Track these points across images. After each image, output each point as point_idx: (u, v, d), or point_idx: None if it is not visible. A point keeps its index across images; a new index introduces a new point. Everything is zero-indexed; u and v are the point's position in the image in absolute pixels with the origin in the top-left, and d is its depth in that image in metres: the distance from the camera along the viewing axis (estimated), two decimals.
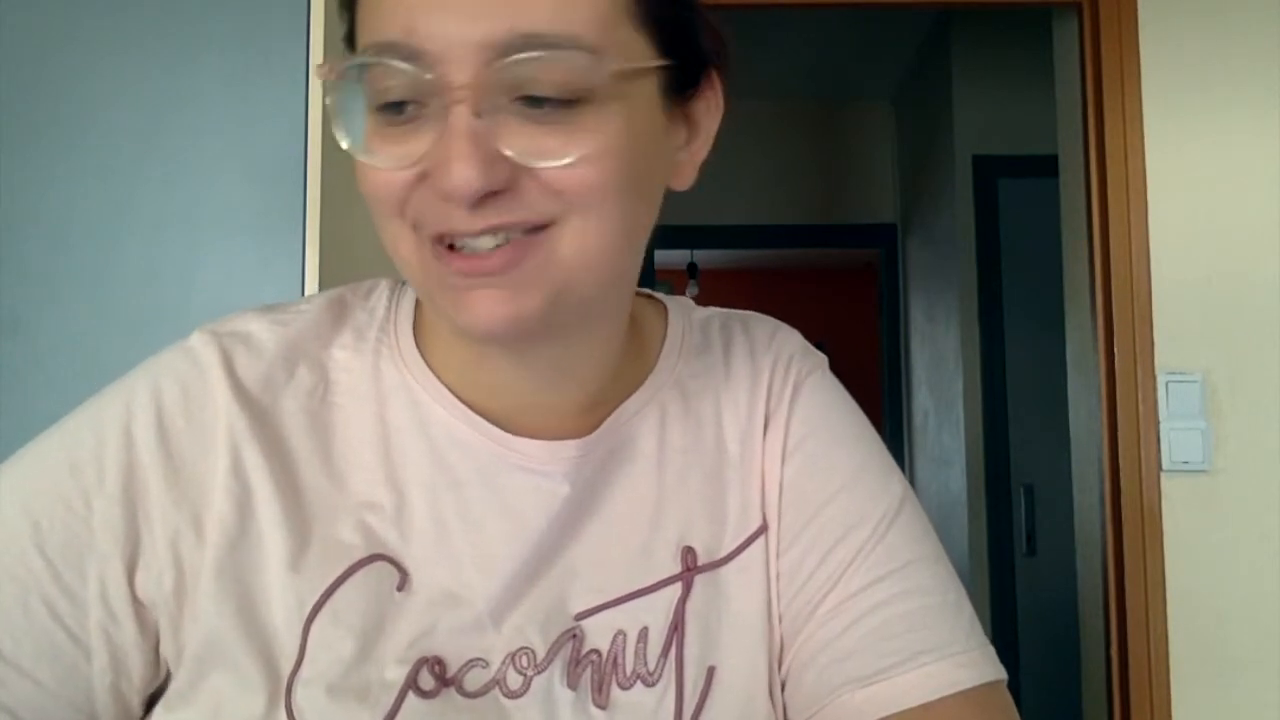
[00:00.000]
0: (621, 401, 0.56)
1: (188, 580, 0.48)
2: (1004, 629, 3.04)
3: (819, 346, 0.64)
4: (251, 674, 0.47)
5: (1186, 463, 1.83)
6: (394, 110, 0.45)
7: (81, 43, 1.22)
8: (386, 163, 0.45)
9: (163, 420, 0.49)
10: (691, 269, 5.59)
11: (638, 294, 0.60)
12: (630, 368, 0.57)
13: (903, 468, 4.22)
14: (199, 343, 0.52)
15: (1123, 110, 1.90)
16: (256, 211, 1.21)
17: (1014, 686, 0.53)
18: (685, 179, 0.53)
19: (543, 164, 0.44)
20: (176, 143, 1.21)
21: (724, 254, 5.65)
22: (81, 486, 0.48)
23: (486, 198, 0.43)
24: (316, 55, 1.22)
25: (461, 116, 0.43)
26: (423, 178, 0.44)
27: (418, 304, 0.56)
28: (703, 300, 0.65)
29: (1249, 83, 1.91)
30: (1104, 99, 1.91)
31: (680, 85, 0.50)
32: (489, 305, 0.45)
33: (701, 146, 0.53)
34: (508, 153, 0.43)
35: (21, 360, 1.17)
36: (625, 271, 0.51)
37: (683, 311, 0.61)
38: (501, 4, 0.43)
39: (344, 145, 0.46)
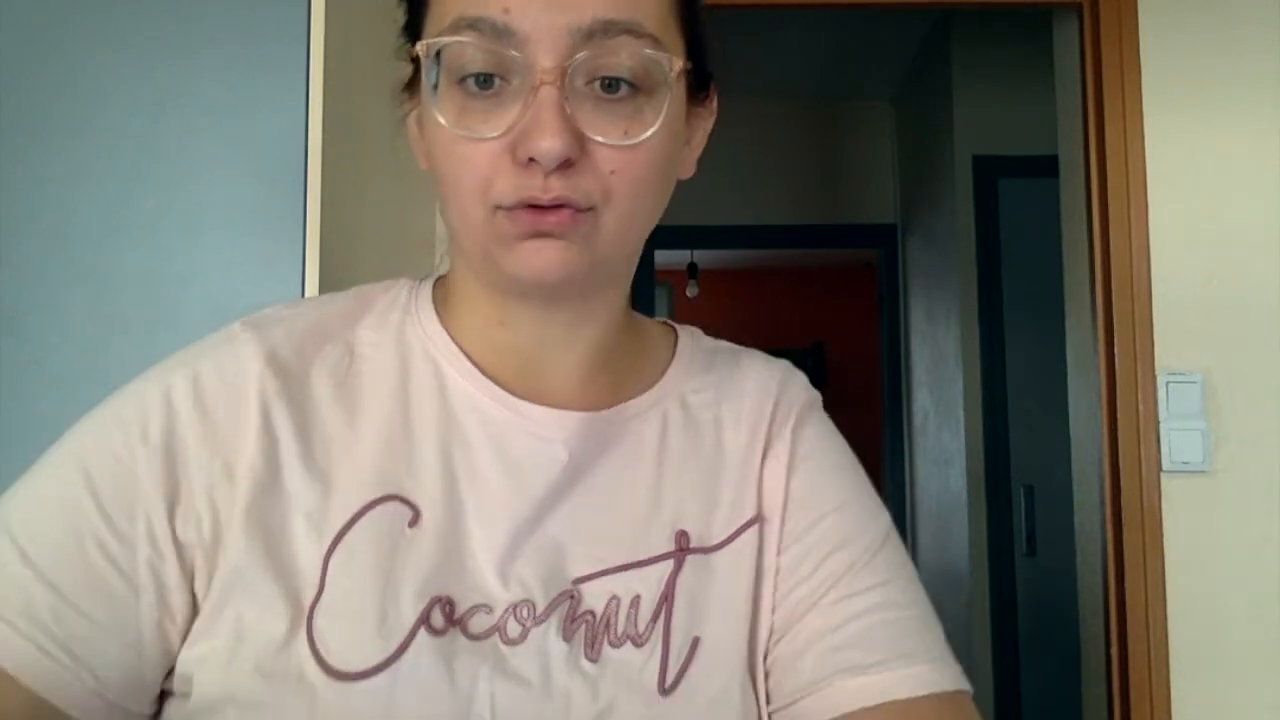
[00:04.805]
0: (628, 400, 0.61)
1: (221, 523, 0.52)
2: (1004, 629, 3.04)
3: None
4: (274, 601, 0.51)
5: (1186, 463, 1.83)
6: (478, 84, 0.52)
7: (80, 42, 1.22)
8: (479, 133, 0.51)
9: (199, 385, 0.54)
10: (691, 269, 5.57)
11: (652, 319, 0.69)
12: (640, 371, 0.63)
13: (903, 468, 4.20)
14: (235, 328, 0.58)
15: (1123, 110, 1.90)
16: (256, 211, 1.21)
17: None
18: (688, 170, 0.61)
19: (609, 141, 0.51)
20: (176, 142, 1.21)
21: (724, 254, 5.64)
22: (128, 441, 0.53)
23: (560, 167, 0.50)
24: (317, 54, 1.22)
25: (550, 94, 0.50)
26: (506, 150, 0.51)
27: (435, 287, 0.63)
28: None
29: (1249, 83, 1.91)
30: (1104, 99, 1.91)
31: (695, 89, 0.59)
32: (545, 254, 0.52)
33: (699, 144, 0.62)
34: (582, 129, 0.51)
35: (20, 360, 1.17)
36: (642, 244, 0.59)
37: (692, 338, 0.68)
38: None
39: (441, 122, 0.52)
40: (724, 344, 0.69)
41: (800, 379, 0.68)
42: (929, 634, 0.58)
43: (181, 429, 0.53)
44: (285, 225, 1.20)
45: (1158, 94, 1.90)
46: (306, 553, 0.52)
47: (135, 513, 0.51)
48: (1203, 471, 1.84)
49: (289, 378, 0.56)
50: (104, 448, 0.53)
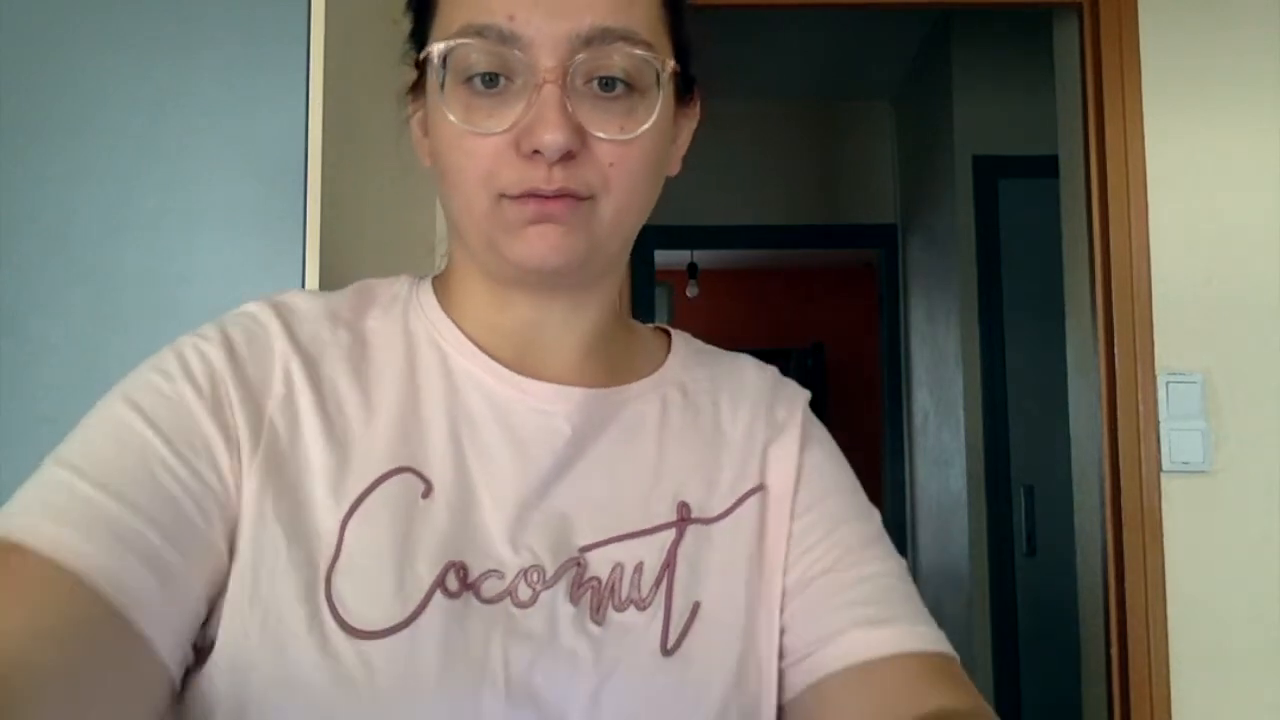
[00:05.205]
0: (628, 384, 0.65)
1: (243, 478, 0.54)
2: (1004, 629, 3.04)
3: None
4: (291, 562, 0.52)
5: (1186, 463, 1.83)
6: (483, 83, 0.55)
7: (80, 42, 1.22)
8: (486, 128, 0.55)
9: (231, 345, 0.58)
10: (691, 269, 5.56)
11: (644, 325, 0.73)
12: (634, 365, 0.67)
13: (903, 468, 4.19)
14: (254, 306, 0.61)
15: (1123, 110, 1.90)
16: (256, 211, 1.21)
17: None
18: (674, 167, 0.65)
19: (607, 136, 0.55)
20: (176, 142, 1.21)
21: (724, 254, 5.64)
22: (175, 385, 0.55)
23: (562, 159, 0.54)
24: (317, 54, 1.22)
25: (553, 92, 0.54)
26: (510, 144, 0.55)
27: (435, 282, 0.66)
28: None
29: (1249, 83, 1.91)
30: (1104, 99, 1.91)
31: (681, 92, 0.63)
32: (548, 240, 0.56)
33: (684, 143, 0.66)
34: (582, 124, 0.55)
35: (20, 360, 1.16)
36: (635, 235, 0.63)
37: (684, 339, 0.73)
38: (584, 5, 0.55)
39: (450, 118, 0.56)
40: (713, 347, 0.74)
41: (792, 381, 0.73)
42: (923, 606, 0.64)
43: (221, 380, 0.56)
44: (285, 225, 1.20)
45: (1158, 94, 1.90)
46: (324, 517, 0.54)
47: (194, 442, 0.53)
48: (1203, 471, 1.84)
49: (306, 357, 0.59)
50: (153, 391, 0.54)
